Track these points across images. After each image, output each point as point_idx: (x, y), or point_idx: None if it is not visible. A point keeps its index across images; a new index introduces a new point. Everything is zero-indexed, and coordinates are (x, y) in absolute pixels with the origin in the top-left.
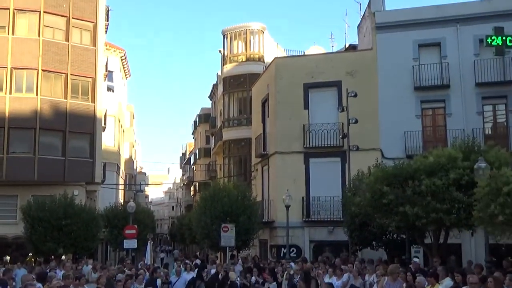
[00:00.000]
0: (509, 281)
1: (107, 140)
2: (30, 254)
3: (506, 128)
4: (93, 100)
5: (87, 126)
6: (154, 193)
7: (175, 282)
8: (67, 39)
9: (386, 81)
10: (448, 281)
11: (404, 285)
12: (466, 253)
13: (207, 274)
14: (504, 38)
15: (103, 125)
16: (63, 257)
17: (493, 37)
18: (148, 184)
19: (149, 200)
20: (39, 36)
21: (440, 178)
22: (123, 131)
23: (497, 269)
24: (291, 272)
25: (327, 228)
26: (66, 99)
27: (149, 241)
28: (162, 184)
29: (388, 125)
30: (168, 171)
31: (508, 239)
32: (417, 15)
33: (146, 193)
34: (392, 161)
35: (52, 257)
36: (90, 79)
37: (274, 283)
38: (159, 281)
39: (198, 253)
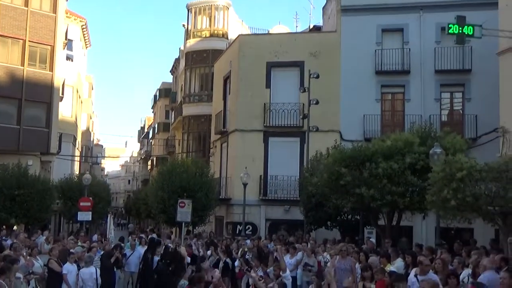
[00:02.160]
0: (458, 263)
1: (64, 111)
2: None
3: (462, 116)
4: (51, 69)
5: (44, 95)
6: (111, 166)
7: (129, 256)
8: (26, 5)
9: (348, 64)
10: (399, 262)
11: (358, 264)
12: (417, 235)
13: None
14: (465, 27)
15: (60, 94)
16: (15, 227)
17: (454, 26)
18: (104, 156)
19: (105, 173)
20: None
21: (397, 162)
22: (81, 102)
23: (448, 252)
24: (246, 249)
25: (283, 207)
26: (23, 66)
27: (109, 214)
28: (119, 157)
29: (348, 107)
30: (126, 144)
31: (458, 223)
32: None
33: (102, 165)
34: (351, 143)
35: (4, 227)
36: (49, 47)
37: (228, 259)
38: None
39: (153, 228)
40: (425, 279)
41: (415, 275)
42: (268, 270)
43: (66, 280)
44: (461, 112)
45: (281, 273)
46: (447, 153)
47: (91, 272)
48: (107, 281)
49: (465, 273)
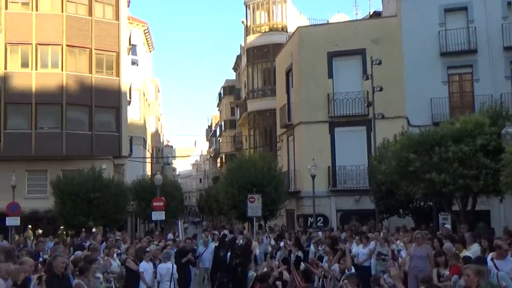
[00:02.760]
0: None
1: (133, 114)
2: (62, 227)
3: None
4: (118, 74)
5: (112, 100)
6: (182, 166)
7: (203, 252)
8: (90, 14)
9: (411, 48)
10: (475, 247)
11: (433, 251)
12: (495, 219)
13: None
14: None
15: (128, 99)
16: (94, 229)
17: None
18: (175, 156)
19: (177, 173)
20: (62, 11)
21: (467, 145)
22: (149, 105)
23: None
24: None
25: (353, 197)
26: (91, 73)
27: (179, 221)
28: (189, 156)
29: (414, 92)
30: (195, 144)
31: None
32: None
33: (173, 166)
34: (418, 128)
35: (83, 229)
36: (114, 53)
37: (300, 251)
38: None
39: (225, 224)
40: (502, 263)
41: (492, 259)
42: (333, 267)
43: (143, 278)
44: None
45: (346, 270)
46: None
47: (168, 267)
48: (184, 278)
49: None
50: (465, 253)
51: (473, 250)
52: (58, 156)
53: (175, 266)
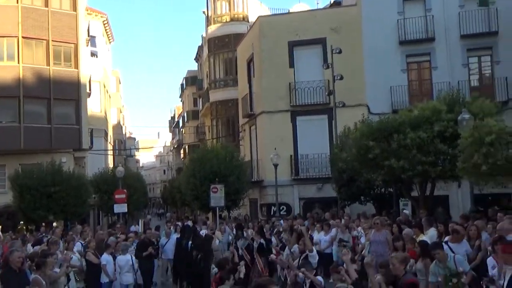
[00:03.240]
0: (492, 228)
1: (93, 106)
2: (21, 222)
3: (492, 79)
4: (76, 66)
5: (71, 92)
6: (146, 158)
7: (165, 244)
8: (46, 5)
9: (371, 37)
10: (432, 232)
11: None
12: (453, 204)
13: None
14: None
15: (88, 91)
16: (55, 223)
17: None
18: (137, 148)
19: (140, 165)
20: (17, 2)
21: (425, 131)
22: (109, 97)
23: (482, 219)
24: (280, 229)
25: (316, 185)
26: (49, 66)
27: (140, 220)
28: (152, 148)
29: (374, 80)
30: (158, 135)
31: (493, 189)
32: None
33: (137, 158)
34: (378, 116)
35: (43, 224)
36: (72, 45)
37: (262, 239)
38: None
39: (188, 215)
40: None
41: (446, 242)
42: (292, 249)
43: (105, 270)
44: (490, 75)
45: (307, 252)
46: (476, 118)
47: (127, 259)
48: (147, 269)
49: None
50: (422, 237)
51: (429, 235)
52: (16, 150)
53: (133, 257)
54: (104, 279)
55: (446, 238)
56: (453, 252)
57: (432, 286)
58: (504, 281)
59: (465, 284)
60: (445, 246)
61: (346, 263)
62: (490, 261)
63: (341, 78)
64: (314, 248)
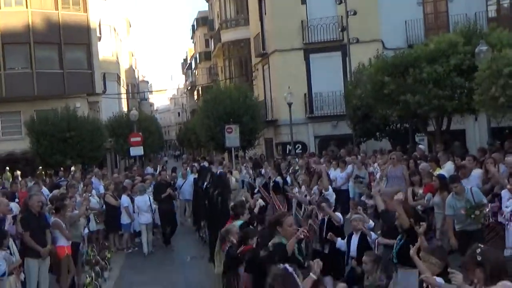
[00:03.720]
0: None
1: (105, 51)
2: (40, 167)
3: (510, 9)
4: (85, 10)
5: (82, 37)
6: (159, 101)
7: (182, 185)
8: None
9: None
10: (449, 165)
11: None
12: (470, 138)
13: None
14: None
15: (98, 35)
16: (72, 168)
17: None
18: (150, 91)
19: (155, 108)
20: None
21: (441, 65)
22: (120, 40)
23: (499, 151)
24: (296, 167)
25: (330, 122)
26: (57, 10)
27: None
28: (165, 90)
29: (388, 14)
30: (171, 78)
31: (511, 121)
32: None
33: (150, 102)
34: (393, 51)
35: (61, 169)
36: None
37: (279, 177)
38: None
39: (204, 156)
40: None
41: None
42: (313, 190)
43: (128, 211)
44: (509, 5)
45: (323, 191)
46: (494, 50)
47: (145, 200)
48: (168, 211)
49: None
50: (439, 171)
51: (447, 168)
52: (30, 96)
53: (151, 198)
54: (124, 220)
55: (479, 175)
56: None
57: (449, 219)
58: None
59: (487, 215)
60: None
61: (374, 194)
62: (505, 193)
63: (355, 13)
64: (329, 187)
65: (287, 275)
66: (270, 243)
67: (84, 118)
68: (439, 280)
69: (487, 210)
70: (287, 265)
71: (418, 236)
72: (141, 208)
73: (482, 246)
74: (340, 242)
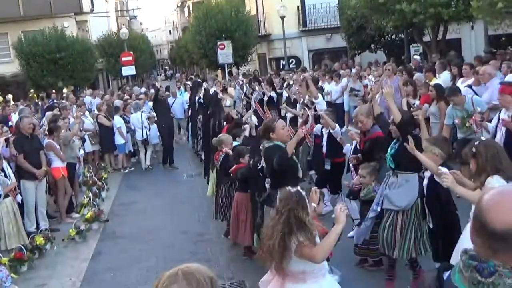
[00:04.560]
0: (507, 68)
1: None
2: (32, 90)
3: None
4: None
5: None
6: (150, 19)
7: (173, 103)
8: None
9: None
10: (446, 74)
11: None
12: (466, 47)
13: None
14: None
15: None
16: (65, 90)
17: None
18: (139, 8)
19: (145, 27)
20: None
21: None
22: None
23: (496, 59)
24: (291, 82)
25: (324, 35)
26: None
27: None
28: (155, 7)
29: None
30: None
31: (508, 28)
32: None
33: (140, 21)
34: None
35: (53, 91)
36: None
37: (273, 92)
38: None
39: (198, 74)
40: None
41: (470, 86)
42: (306, 101)
43: (121, 132)
44: None
45: (313, 99)
46: None
47: (138, 117)
48: (167, 125)
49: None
50: (435, 81)
51: (443, 78)
52: (16, 17)
53: (143, 115)
54: (118, 141)
55: (470, 82)
56: (477, 94)
57: (447, 128)
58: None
59: (481, 123)
60: (469, 90)
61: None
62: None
63: None
64: (320, 96)
65: (303, 197)
66: (262, 146)
67: (73, 38)
68: (444, 169)
69: (480, 119)
70: (299, 188)
71: (412, 134)
72: (135, 126)
73: (483, 139)
74: (348, 147)
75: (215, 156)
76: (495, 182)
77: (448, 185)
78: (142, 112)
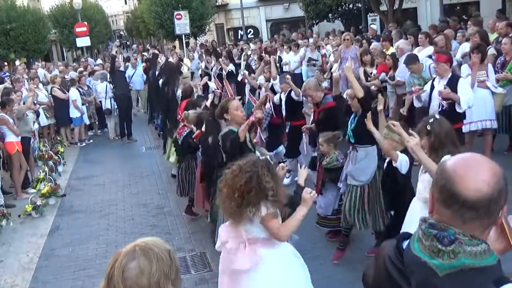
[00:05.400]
0: (462, 36)
1: None
2: None
3: None
4: None
5: None
6: None
7: (133, 75)
8: None
9: None
10: (402, 43)
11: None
12: (421, 16)
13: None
14: None
15: None
16: (17, 62)
17: None
18: None
19: None
20: None
21: None
22: None
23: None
24: (249, 53)
25: (282, 5)
26: None
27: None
28: None
29: None
30: None
31: None
32: None
33: None
34: None
35: (5, 63)
36: None
37: (231, 64)
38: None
39: (155, 45)
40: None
41: (430, 57)
42: (258, 80)
43: (76, 105)
44: None
45: (271, 80)
46: None
47: (103, 87)
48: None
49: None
50: (392, 50)
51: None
52: None
53: (109, 85)
54: (74, 114)
55: (419, 49)
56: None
57: (407, 95)
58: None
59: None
60: (429, 60)
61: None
62: (465, 68)
63: None
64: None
65: (272, 166)
66: (220, 134)
67: (24, 8)
68: (402, 156)
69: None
70: (268, 157)
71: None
72: (101, 95)
73: (437, 117)
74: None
75: (179, 131)
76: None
77: (412, 147)
78: (108, 82)
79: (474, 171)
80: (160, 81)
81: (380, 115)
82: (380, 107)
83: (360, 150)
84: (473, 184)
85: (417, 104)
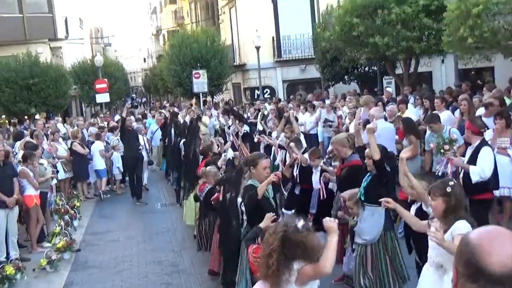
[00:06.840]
0: (479, 101)
1: None
2: (3, 116)
3: None
4: None
5: None
6: (124, 47)
7: (156, 131)
8: None
9: None
10: (412, 108)
11: None
12: (436, 80)
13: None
14: None
15: None
16: (37, 116)
17: None
18: (114, 35)
19: (119, 54)
20: None
21: (410, 5)
22: None
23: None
24: (266, 112)
25: (299, 66)
26: None
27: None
28: (130, 35)
29: None
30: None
31: (477, 62)
32: None
33: (115, 48)
34: None
35: (26, 117)
36: None
37: (245, 125)
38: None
39: (173, 102)
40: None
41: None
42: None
43: (103, 154)
44: None
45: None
46: None
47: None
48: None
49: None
50: (407, 113)
51: (411, 111)
52: None
53: (145, 137)
54: (99, 166)
55: (446, 117)
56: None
57: (427, 154)
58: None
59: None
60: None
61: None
62: (489, 133)
63: None
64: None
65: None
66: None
67: (47, 64)
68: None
69: (458, 146)
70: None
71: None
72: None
73: (456, 182)
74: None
75: (199, 188)
76: (461, 226)
77: (439, 241)
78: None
79: (499, 245)
80: (182, 142)
81: (401, 163)
82: (404, 154)
83: (367, 208)
84: (499, 259)
85: (441, 169)
